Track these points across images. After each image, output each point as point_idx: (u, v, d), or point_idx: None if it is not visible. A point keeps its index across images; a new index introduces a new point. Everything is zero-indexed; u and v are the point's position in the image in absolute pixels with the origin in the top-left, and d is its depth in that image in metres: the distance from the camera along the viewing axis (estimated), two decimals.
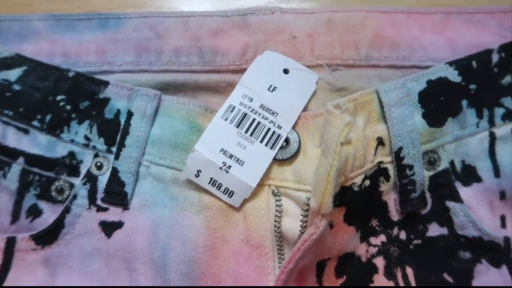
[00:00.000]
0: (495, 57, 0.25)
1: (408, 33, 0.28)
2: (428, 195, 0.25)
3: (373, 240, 0.24)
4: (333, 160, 0.20)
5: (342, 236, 0.24)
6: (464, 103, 0.25)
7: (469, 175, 0.25)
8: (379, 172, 0.25)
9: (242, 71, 0.27)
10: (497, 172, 0.25)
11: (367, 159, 0.25)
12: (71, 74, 0.26)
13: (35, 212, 0.25)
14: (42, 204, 0.25)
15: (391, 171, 0.24)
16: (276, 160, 0.25)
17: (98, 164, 0.25)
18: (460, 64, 0.25)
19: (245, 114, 0.25)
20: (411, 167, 0.24)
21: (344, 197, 0.24)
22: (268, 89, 0.26)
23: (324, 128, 0.23)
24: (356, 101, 0.25)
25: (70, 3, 0.31)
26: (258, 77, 0.26)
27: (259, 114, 0.26)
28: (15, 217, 0.25)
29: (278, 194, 0.25)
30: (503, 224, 0.25)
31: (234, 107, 0.26)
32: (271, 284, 0.23)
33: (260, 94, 0.26)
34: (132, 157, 0.25)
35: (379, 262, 0.24)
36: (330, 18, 0.28)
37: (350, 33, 0.28)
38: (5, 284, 0.24)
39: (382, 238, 0.25)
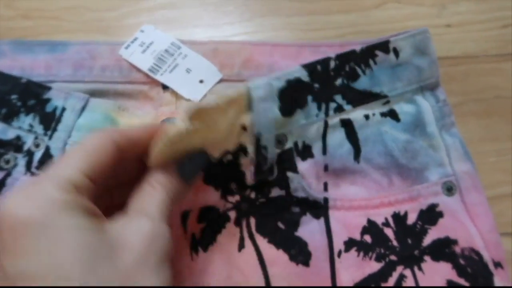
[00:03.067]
0: (332, 63, 0.35)
1: (271, 59, 0.39)
2: (275, 167, 0.34)
3: (230, 199, 0.34)
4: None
5: (202, 193, 0.33)
6: (309, 98, 0.34)
7: (306, 152, 0.34)
8: (240, 150, 0.33)
9: (150, 83, 0.38)
10: (324, 151, 0.35)
11: (228, 141, 0.34)
12: (23, 80, 0.37)
13: None
14: None
15: (250, 150, 0.33)
16: None
17: (36, 143, 0.35)
18: (309, 67, 0.34)
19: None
20: (265, 148, 0.33)
21: None
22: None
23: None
24: (230, 97, 0.34)
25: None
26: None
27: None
28: None
29: None
30: (325, 189, 0.34)
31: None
32: None
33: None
34: (60, 138, 0.35)
35: (232, 214, 0.33)
36: (216, 48, 0.39)
37: (229, 58, 0.39)
38: None
39: (237, 198, 0.34)
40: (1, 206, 0.23)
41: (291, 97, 0.34)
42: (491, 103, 0.41)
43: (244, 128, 0.32)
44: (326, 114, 0.35)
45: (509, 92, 0.41)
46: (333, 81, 0.35)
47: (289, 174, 0.34)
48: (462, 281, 0.31)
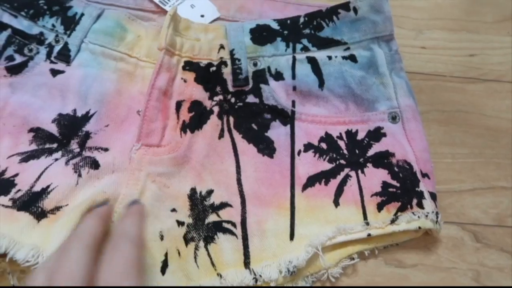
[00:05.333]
0: (301, 19, 0.44)
1: (261, 8, 0.48)
2: (250, 80, 0.42)
3: (215, 98, 0.41)
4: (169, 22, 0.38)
5: (192, 89, 0.40)
6: (279, 39, 0.43)
7: (278, 76, 0.42)
8: (222, 63, 0.42)
9: (159, 12, 0.46)
10: (294, 77, 0.42)
11: (212, 54, 0.42)
12: None
13: (10, 58, 0.40)
14: (16, 56, 0.41)
15: (229, 62, 0.41)
16: None
17: (57, 39, 0.42)
18: (279, 21, 0.43)
19: None
20: (239, 60, 0.41)
21: (192, 66, 0.41)
22: None
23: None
24: (209, 26, 0.43)
25: None
26: None
27: None
28: None
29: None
30: (293, 105, 0.42)
31: None
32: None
33: None
34: (78, 37, 0.42)
35: (216, 109, 0.40)
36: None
37: (226, 2, 0.47)
38: None
39: (221, 97, 0.41)
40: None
41: (261, 34, 0.43)
42: (452, 115, 0.47)
43: (222, 47, 0.42)
44: (294, 51, 0.43)
45: (467, 108, 0.47)
46: (301, 30, 0.44)
47: (262, 85, 0.41)
48: (394, 183, 0.39)
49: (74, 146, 0.37)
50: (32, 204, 0.33)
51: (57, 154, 0.36)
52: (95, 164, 0.36)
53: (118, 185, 0.35)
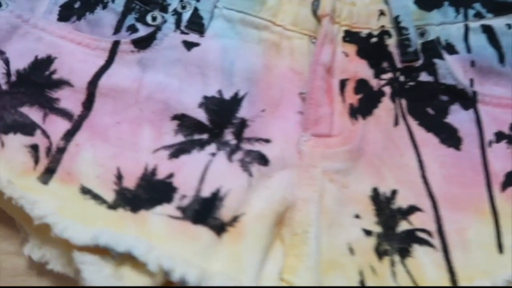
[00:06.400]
0: None
1: None
2: (420, 53, 0.34)
3: (383, 76, 0.33)
4: None
5: (356, 64, 0.33)
6: (446, 3, 0.35)
7: (450, 49, 0.34)
8: (383, 32, 0.34)
9: None
10: (469, 50, 0.35)
11: (370, 22, 0.34)
12: None
13: (133, 29, 0.33)
14: (139, 25, 0.33)
15: (392, 32, 0.34)
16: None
17: (183, 5, 0.34)
18: None
19: None
20: (406, 29, 0.33)
21: (353, 37, 0.33)
22: None
23: None
24: None
25: None
26: None
27: None
28: (116, 30, 0.33)
29: (314, 41, 0.34)
30: (471, 85, 0.34)
31: None
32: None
33: None
34: (209, 1, 0.34)
35: (387, 90, 0.33)
36: None
37: None
38: (106, 73, 0.31)
39: (390, 75, 0.34)
40: None
41: None
42: None
43: (382, 13, 0.34)
44: (465, 18, 0.35)
45: None
46: None
47: (436, 60, 0.34)
48: None
49: (228, 136, 0.30)
50: (208, 214, 0.27)
51: (211, 147, 0.30)
52: (264, 160, 0.29)
53: (293, 186, 0.29)
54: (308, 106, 0.31)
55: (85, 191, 0.28)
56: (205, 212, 0.27)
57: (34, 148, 0.29)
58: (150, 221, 0.26)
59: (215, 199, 0.27)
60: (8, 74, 0.31)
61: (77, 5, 0.34)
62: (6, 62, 0.31)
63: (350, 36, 0.33)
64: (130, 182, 0.28)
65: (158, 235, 0.26)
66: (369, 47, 0.34)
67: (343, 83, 0.33)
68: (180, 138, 0.30)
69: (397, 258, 0.29)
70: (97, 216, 0.27)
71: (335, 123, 0.31)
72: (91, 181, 0.28)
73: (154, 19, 0.34)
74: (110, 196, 0.28)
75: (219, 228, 0.26)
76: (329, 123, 0.31)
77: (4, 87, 0.30)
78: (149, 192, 0.28)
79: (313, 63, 0.31)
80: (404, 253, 0.29)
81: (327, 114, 0.31)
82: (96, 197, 0.28)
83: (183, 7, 0.34)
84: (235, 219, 0.27)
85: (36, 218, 0.26)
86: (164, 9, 0.34)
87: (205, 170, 0.28)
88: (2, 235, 0.32)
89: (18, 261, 0.31)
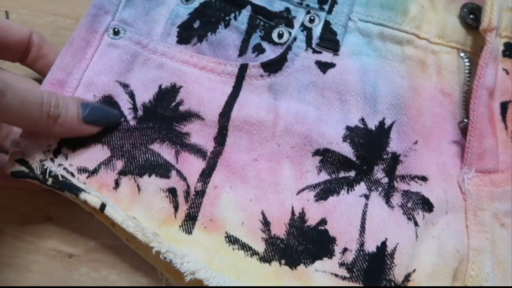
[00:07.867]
0: None
1: None
2: None
3: None
4: None
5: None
6: None
7: None
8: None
9: None
10: None
11: None
12: None
13: (259, 49, 0.30)
14: (265, 44, 0.30)
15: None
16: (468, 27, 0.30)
17: (312, 18, 0.30)
18: None
19: None
20: None
21: None
22: None
23: None
24: None
25: None
26: None
27: None
28: (242, 52, 0.30)
29: (466, 56, 0.29)
30: None
31: None
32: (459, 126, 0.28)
33: None
34: (343, 12, 0.30)
35: None
36: None
37: None
38: (237, 102, 0.29)
39: None
40: None
41: None
42: None
43: None
44: None
45: None
46: None
47: None
48: None
49: (379, 174, 0.27)
50: (380, 276, 0.24)
51: (361, 188, 0.27)
52: (428, 205, 0.26)
53: (462, 234, 0.25)
54: (471, 138, 0.27)
55: (232, 240, 0.26)
56: (376, 272, 0.24)
57: (172, 192, 0.27)
58: (313, 280, 0.24)
59: (383, 255, 0.24)
60: (134, 108, 0.28)
61: (196, 24, 0.31)
62: (131, 95, 0.29)
63: (510, 50, 0.29)
64: (278, 229, 0.26)
65: None
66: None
67: (504, 106, 0.28)
68: (324, 177, 0.27)
69: None
70: (250, 270, 0.25)
71: (500, 156, 0.27)
72: (237, 229, 0.26)
73: (280, 36, 0.30)
74: (260, 247, 0.25)
75: None
76: (494, 156, 0.27)
77: (132, 122, 0.28)
78: (303, 242, 0.25)
79: (476, 87, 0.27)
80: None
81: (493, 146, 0.27)
82: (245, 247, 0.25)
83: (311, 21, 0.30)
84: (406, 278, 0.24)
85: (186, 274, 0.24)
86: (289, 23, 0.31)
87: (363, 216, 0.25)
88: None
89: None
